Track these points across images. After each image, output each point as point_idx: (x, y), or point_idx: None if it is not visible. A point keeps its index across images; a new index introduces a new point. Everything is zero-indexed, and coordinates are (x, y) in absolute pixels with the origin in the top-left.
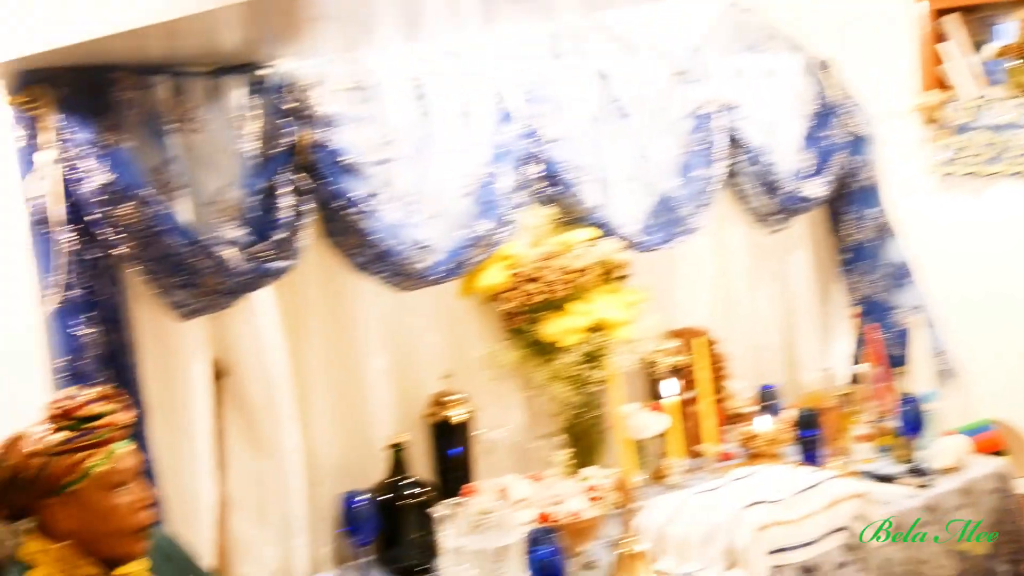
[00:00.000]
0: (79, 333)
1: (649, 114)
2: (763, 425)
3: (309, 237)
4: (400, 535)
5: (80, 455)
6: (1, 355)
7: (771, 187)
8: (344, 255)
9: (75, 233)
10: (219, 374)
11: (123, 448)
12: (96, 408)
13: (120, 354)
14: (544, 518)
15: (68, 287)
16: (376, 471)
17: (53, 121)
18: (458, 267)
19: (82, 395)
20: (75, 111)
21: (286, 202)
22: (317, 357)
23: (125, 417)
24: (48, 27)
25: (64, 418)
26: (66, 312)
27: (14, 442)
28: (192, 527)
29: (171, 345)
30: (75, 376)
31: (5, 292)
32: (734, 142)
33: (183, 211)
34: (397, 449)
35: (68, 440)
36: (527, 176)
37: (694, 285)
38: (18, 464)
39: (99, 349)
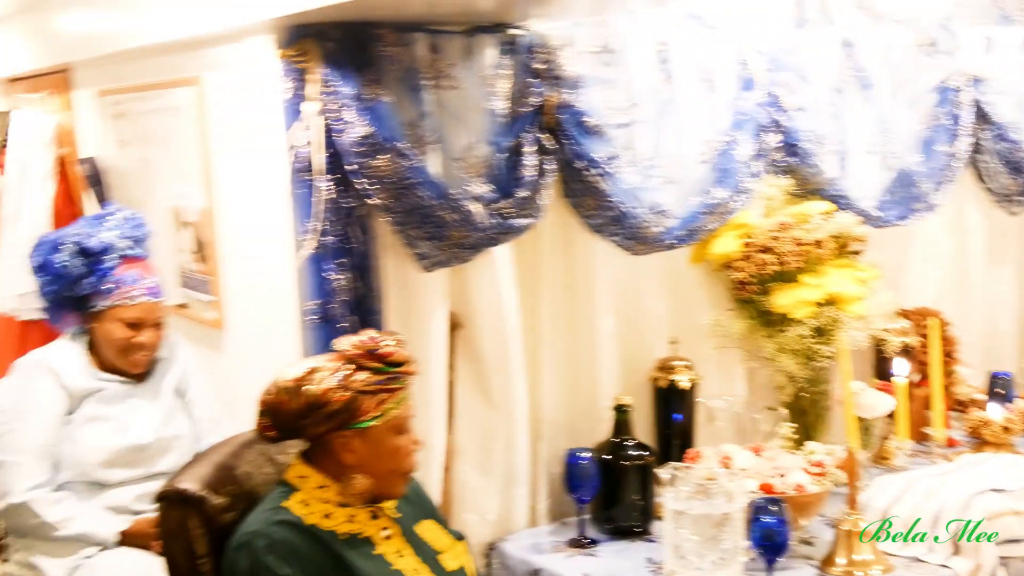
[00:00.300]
0: (331, 278)
1: (893, 86)
2: (995, 413)
3: (550, 196)
4: (619, 495)
5: (382, 396)
6: (261, 293)
7: (1017, 166)
8: (581, 216)
9: (332, 182)
10: (454, 326)
11: (407, 394)
12: (401, 355)
13: (367, 301)
14: (767, 489)
15: (323, 233)
16: (597, 430)
17: (319, 74)
18: (692, 234)
19: (387, 340)
20: (340, 65)
21: (530, 161)
22: (548, 315)
23: (416, 366)
24: None
25: (371, 359)
26: (320, 257)
27: (310, 373)
28: (422, 472)
29: (414, 295)
30: (324, 319)
31: (266, 235)
32: (981, 117)
33: (433, 165)
34: (621, 410)
35: (376, 381)
36: (766, 145)
37: (928, 264)
38: (319, 394)
39: (348, 295)
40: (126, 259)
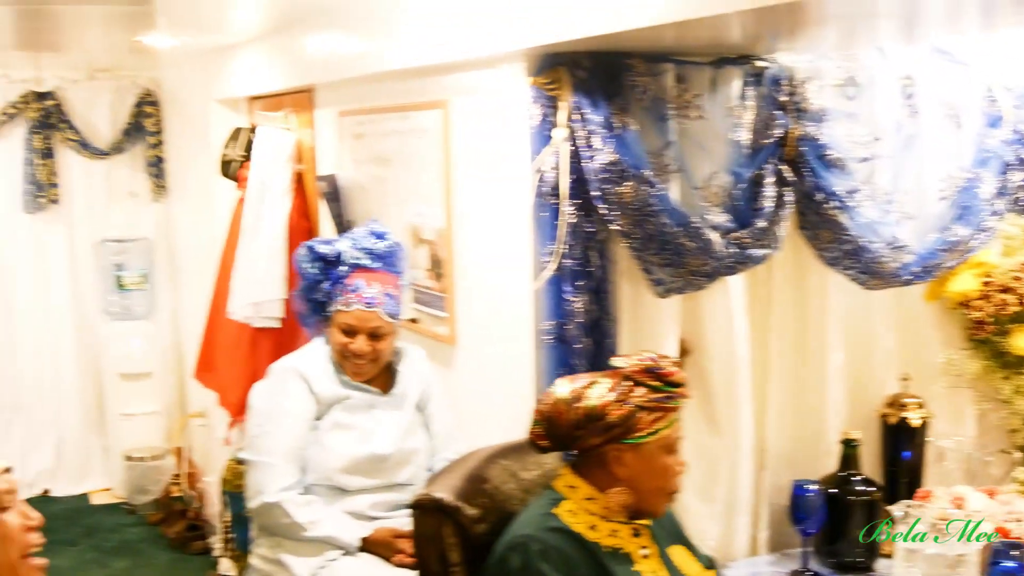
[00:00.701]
0: (569, 299)
1: None
2: None
3: (786, 228)
4: (844, 530)
5: (658, 413)
6: (495, 312)
7: None
8: (816, 248)
9: (575, 207)
10: (683, 352)
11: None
12: (680, 376)
13: (602, 324)
14: (1004, 533)
15: (563, 256)
16: (821, 463)
17: (568, 101)
18: (928, 270)
19: (665, 361)
20: (589, 93)
21: (770, 192)
22: (777, 345)
23: (687, 387)
24: (573, 19)
25: (650, 377)
26: (559, 279)
27: (588, 386)
28: None
29: (647, 320)
30: (560, 340)
31: (504, 256)
32: None
33: (674, 193)
34: (849, 445)
35: (654, 398)
36: (1010, 183)
37: None
38: (599, 407)
39: (584, 317)
40: (360, 269)
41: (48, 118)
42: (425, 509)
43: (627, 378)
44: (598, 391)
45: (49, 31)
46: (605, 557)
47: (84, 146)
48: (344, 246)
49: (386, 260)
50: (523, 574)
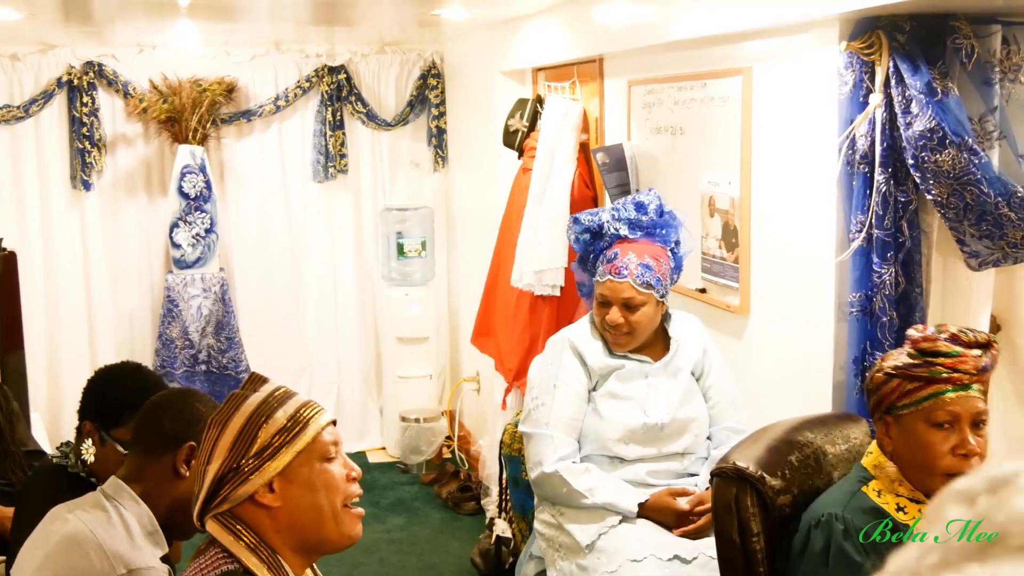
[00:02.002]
0: (878, 271)
1: None
2: None
3: None
4: None
5: (915, 383)
6: (793, 283)
7: None
8: None
9: (886, 175)
10: (994, 327)
11: (960, 393)
12: (941, 346)
13: (910, 297)
14: None
15: (872, 226)
16: None
17: (886, 66)
18: None
19: (941, 332)
20: (909, 57)
21: None
22: None
23: (970, 364)
24: None
25: (918, 347)
26: (866, 250)
27: (885, 356)
28: None
29: (958, 294)
30: (865, 312)
31: (806, 226)
32: None
33: (996, 162)
34: None
35: (909, 367)
36: None
37: None
38: (870, 377)
39: (891, 289)
40: (621, 240)
41: (339, 91)
42: (727, 477)
43: (910, 347)
44: (879, 361)
45: (343, 6)
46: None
47: (371, 117)
48: (606, 217)
49: (649, 230)
50: (826, 553)
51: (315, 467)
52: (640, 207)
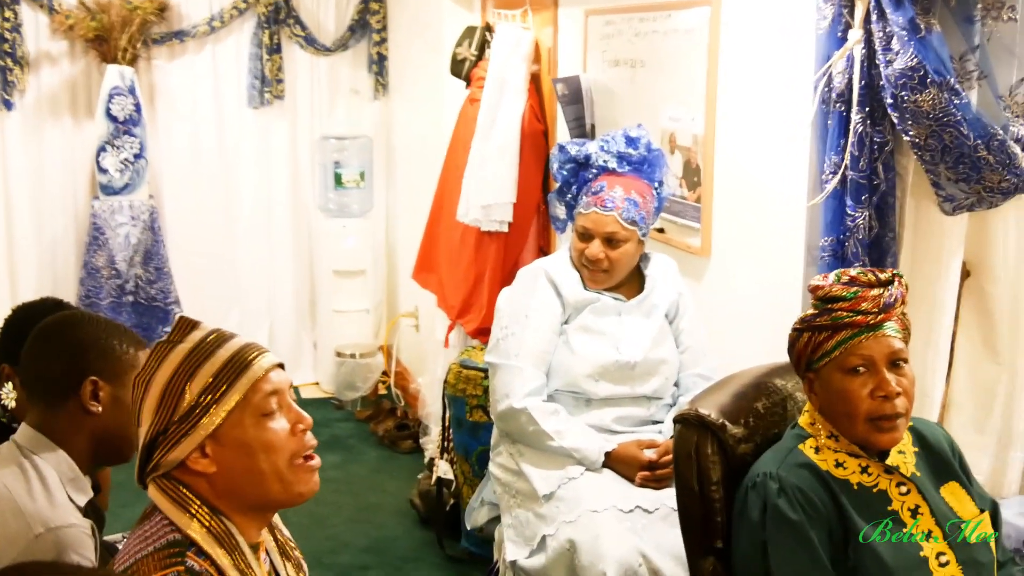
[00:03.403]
0: (851, 214)
1: None
2: None
3: None
4: None
5: (823, 334)
6: (759, 225)
7: None
8: None
9: (863, 116)
10: (965, 273)
11: (870, 334)
12: (837, 290)
13: (882, 242)
14: None
15: (848, 168)
16: None
17: (866, 1)
18: None
19: (833, 277)
20: None
21: None
22: None
23: (870, 303)
24: None
25: (817, 295)
26: (839, 193)
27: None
28: None
29: (930, 239)
30: (835, 257)
31: (774, 166)
32: None
33: (975, 102)
34: None
35: (812, 318)
36: None
37: None
38: (791, 334)
39: (864, 233)
40: (607, 172)
41: (276, 13)
42: (689, 424)
43: (813, 299)
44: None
45: None
46: (855, 496)
47: (310, 42)
48: (593, 148)
49: (637, 166)
50: (762, 515)
51: (249, 427)
52: (631, 141)
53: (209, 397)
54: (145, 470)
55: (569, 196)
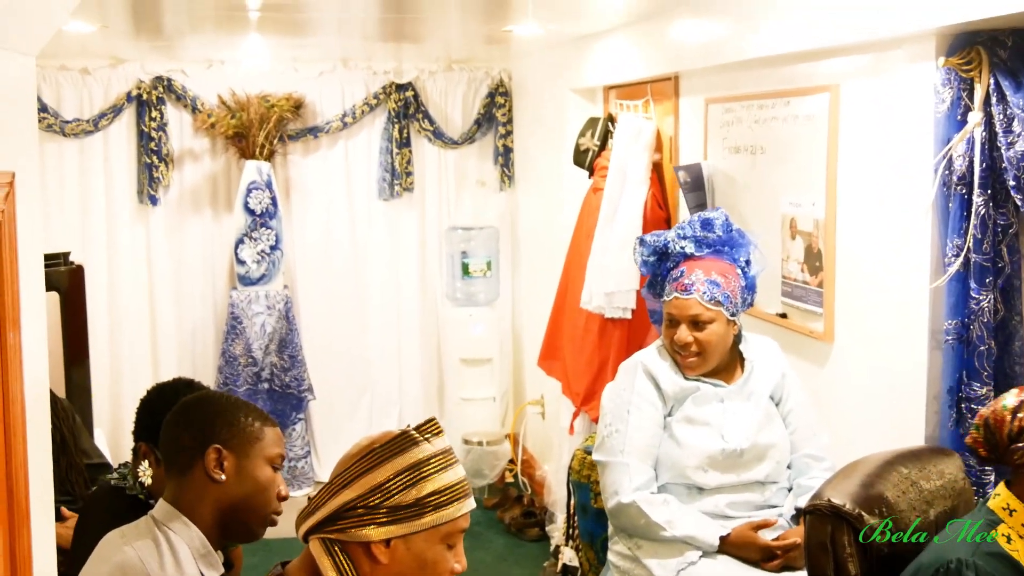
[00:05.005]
0: (976, 297)
1: None
2: None
3: None
4: None
5: None
6: (883, 309)
7: None
8: None
9: (985, 197)
10: None
11: None
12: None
13: (1010, 324)
14: None
15: (971, 250)
16: None
17: (986, 83)
18: None
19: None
20: (1010, 73)
21: None
22: None
23: None
24: None
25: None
26: (963, 276)
27: None
28: None
29: None
30: (959, 340)
31: (896, 250)
32: None
33: None
34: None
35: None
36: None
37: None
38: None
39: (989, 316)
40: (687, 259)
41: (406, 108)
42: (821, 515)
43: None
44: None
45: (411, 23)
46: None
47: (438, 135)
48: (671, 236)
49: (716, 247)
50: None
51: (435, 547)
52: (706, 224)
53: (423, 506)
54: (320, 528)
55: (658, 288)
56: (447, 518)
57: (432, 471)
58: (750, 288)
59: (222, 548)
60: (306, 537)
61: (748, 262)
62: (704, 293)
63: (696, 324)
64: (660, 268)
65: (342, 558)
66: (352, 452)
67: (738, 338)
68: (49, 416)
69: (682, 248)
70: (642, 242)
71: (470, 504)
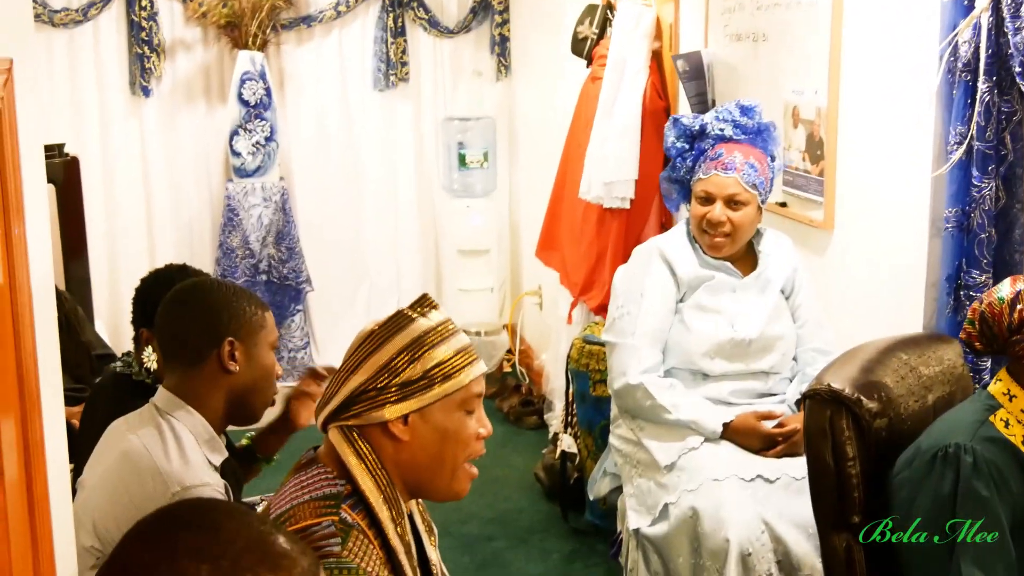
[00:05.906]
0: (978, 185)
1: None
2: None
3: None
4: None
5: None
6: (882, 197)
7: None
8: None
9: (990, 84)
10: None
11: None
12: None
13: (1011, 213)
14: None
15: (974, 138)
16: None
17: None
18: None
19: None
20: None
21: None
22: None
23: None
24: None
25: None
26: (965, 163)
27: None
28: None
29: None
30: (960, 228)
31: (894, 137)
32: None
33: None
34: None
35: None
36: None
37: None
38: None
39: (990, 204)
40: (724, 141)
41: None
42: (821, 399)
43: None
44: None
45: None
46: None
47: (433, 24)
48: (709, 118)
49: (752, 135)
50: (954, 487)
51: (453, 415)
52: (746, 111)
53: (432, 376)
54: (336, 416)
55: (683, 171)
56: (458, 385)
57: (434, 342)
58: (773, 180)
59: (222, 431)
60: (325, 427)
61: (773, 157)
62: (744, 174)
63: (732, 204)
64: (691, 150)
65: (361, 443)
66: (355, 341)
67: (756, 232)
68: (55, 306)
69: (721, 130)
70: (675, 122)
71: (480, 368)
